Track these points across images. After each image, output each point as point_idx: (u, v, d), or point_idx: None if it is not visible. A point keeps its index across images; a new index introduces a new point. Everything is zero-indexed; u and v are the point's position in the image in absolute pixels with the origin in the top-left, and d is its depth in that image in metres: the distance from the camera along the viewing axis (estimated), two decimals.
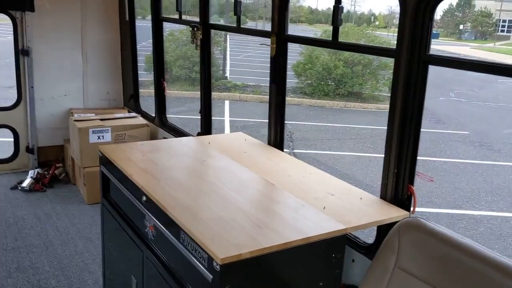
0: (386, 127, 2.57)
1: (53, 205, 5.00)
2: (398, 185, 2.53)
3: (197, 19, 4.24)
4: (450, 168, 8.99)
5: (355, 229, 2.30)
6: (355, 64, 14.34)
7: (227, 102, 13.78)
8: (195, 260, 2.10)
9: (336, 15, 2.79)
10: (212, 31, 4.27)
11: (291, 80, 14.63)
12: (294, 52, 15.50)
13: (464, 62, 2.21)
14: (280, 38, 3.26)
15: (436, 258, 2.05)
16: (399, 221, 2.30)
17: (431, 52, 2.34)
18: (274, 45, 3.26)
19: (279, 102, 3.40)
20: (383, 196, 2.60)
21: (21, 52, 5.53)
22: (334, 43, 2.88)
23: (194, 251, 2.12)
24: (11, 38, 5.73)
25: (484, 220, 6.82)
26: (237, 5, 3.63)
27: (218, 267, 1.92)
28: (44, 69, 5.66)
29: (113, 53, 6.00)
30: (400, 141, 2.48)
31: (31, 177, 5.42)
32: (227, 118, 12.14)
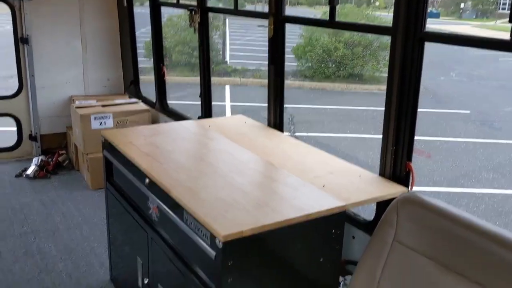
0: None
1: (58, 192, 5.06)
2: (396, 162, 2.57)
3: (194, 2, 4.24)
4: (452, 147, 9.02)
5: (354, 205, 2.34)
6: (355, 46, 14.27)
7: (227, 87, 13.76)
8: (198, 239, 2.15)
9: None
10: (211, 15, 4.27)
11: (292, 63, 14.58)
12: (294, 34, 15.42)
13: (459, 38, 2.23)
14: (277, 19, 3.27)
15: (434, 231, 2.10)
16: (397, 197, 2.34)
17: (429, 30, 2.36)
18: (272, 26, 3.27)
19: (278, 84, 3.43)
20: (381, 174, 2.64)
21: (21, 41, 5.55)
22: (331, 23, 2.90)
23: (197, 230, 2.17)
24: (10, 27, 5.73)
25: (486, 198, 6.87)
26: None
27: (220, 244, 1.97)
28: (44, 57, 5.68)
29: (112, 40, 6.01)
30: (398, 119, 2.51)
31: (35, 164, 5.48)
32: (228, 103, 12.14)
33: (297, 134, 9.54)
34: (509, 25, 1.97)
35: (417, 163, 7.84)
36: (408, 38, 2.36)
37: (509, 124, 10.78)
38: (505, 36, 2.01)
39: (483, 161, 8.32)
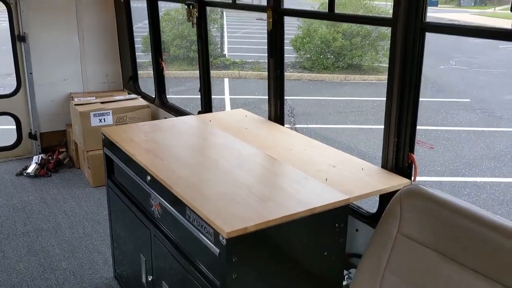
0: None
1: (59, 190, 5.05)
2: (398, 154, 2.55)
3: None
4: (452, 136, 9.00)
5: (357, 198, 2.33)
6: (354, 36, 14.20)
7: (226, 80, 13.72)
8: (202, 236, 2.14)
9: None
10: (208, 8, 4.24)
11: (290, 55, 14.52)
12: (292, 26, 15.34)
13: (460, 28, 2.21)
14: (276, 12, 3.24)
15: (438, 223, 2.09)
16: (400, 189, 2.33)
17: (429, 19, 2.34)
18: (271, 20, 3.25)
19: (278, 77, 3.41)
20: (384, 166, 2.63)
21: (18, 38, 5.52)
22: (330, 15, 2.87)
23: (200, 226, 2.16)
24: (6, 25, 5.70)
25: (487, 187, 6.86)
26: None
27: (224, 241, 1.96)
28: (42, 55, 5.65)
29: (109, 35, 5.97)
30: (400, 110, 2.49)
31: (36, 162, 5.47)
32: (227, 96, 12.11)
33: (297, 126, 9.52)
34: (509, 12, 1.94)
35: (419, 153, 7.84)
36: (409, 28, 2.33)
37: (509, 112, 10.75)
38: (506, 24, 1.99)
39: (484, 150, 8.30)
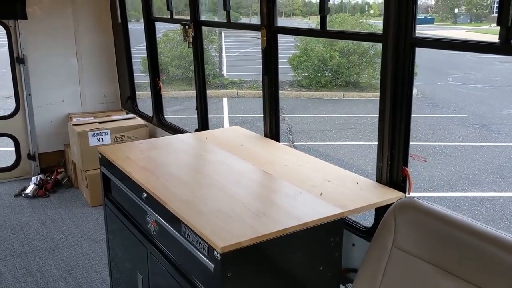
0: None
1: (57, 210, 5.05)
2: (392, 167, 2.57)
3: (188, 17, 4.27)
4: (451, 152, 9.01)
5: (352, 212, 2.34)
6: (351, 54, 14.33)
7: (225, 99, 13.80)
8: (197, 251, 2.14)
9: (323, 5, 2.82)
10: (205, 28, 4.30)
11: (288, 74, 14.64)
12: (289, 45, 15.50)
13: (450, 42, 2.24)
14: (270, 30, 3.29)
15: (432, 235, 2.09)
16: (394, 202, 2.34)
17: (421, 35, 2.38)
18: (265, 38, 3.29)
19: (273, 94, 3.44)
20: (378, 180, 2.64)
21: (17, 61, 5.58)
22: (322, 32, 2.92)
23: (195, 242, 2.16)
24: (6, 48, 5.77)
25: (487, 201, 6.85)
26: (226, 0, 3.66)
27: (218, 256, 1.96)
28: (40, 76, 5.71)
29: (107, 56, 6.04)
30: (393, 124, 2.52)
31: (34, 183, 5.48)
32: (226, 115, 12.17)
33: (296, 143, 9.55)
34: None
35: (417, 168, 7.85)
36: (399, 44, 2.37)
37: (507, 126, 10.79)
38: (497, 39, 2.03)
39: (483, 165, 8.31)
